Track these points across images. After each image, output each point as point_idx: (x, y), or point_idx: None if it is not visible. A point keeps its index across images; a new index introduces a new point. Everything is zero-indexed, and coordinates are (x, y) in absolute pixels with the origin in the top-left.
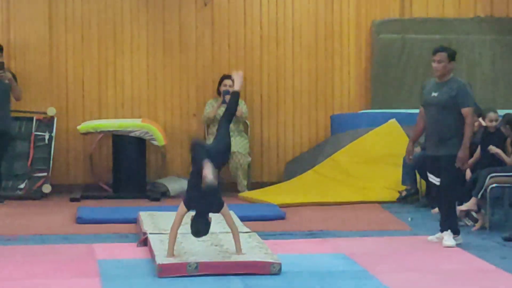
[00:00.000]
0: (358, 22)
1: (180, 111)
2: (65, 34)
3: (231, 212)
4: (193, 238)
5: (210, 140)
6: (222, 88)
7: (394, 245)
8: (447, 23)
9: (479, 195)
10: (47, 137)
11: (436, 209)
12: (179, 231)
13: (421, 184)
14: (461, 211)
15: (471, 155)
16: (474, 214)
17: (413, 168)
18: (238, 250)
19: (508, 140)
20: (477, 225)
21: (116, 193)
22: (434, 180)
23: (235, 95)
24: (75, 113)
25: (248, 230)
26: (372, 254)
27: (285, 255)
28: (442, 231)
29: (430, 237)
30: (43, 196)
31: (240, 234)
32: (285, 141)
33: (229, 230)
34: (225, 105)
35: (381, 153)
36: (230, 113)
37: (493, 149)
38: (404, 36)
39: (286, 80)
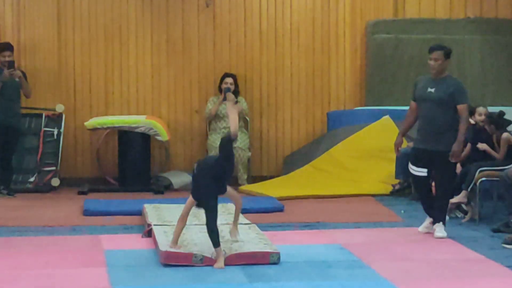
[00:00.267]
0: (353, 23)
1: (183, 108)
2: (73, 34)
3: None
4: (195, 229)
5: (212, 136)
6: (223, 86)
7: (388, 236)
8: (439, 24)
9: (469, 188)
10: (55, 132)
11: None
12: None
13: None
14: (452, 203)
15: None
16: (464, 206)
17: (406, 163)
18: (235, 221)
19: (494, 137)
20: (467, 217)
21: (122, 187)
22: (420, 172)
23: (229, 143)
24: (82, 110)
25: (248, 221)
26: (366, 245)
27: (284, 246)
28: (434, 223)
29: (421, 228)
30: (52, 189)
31: (240, 226)
32: (283, 137)
33: (230, 222)
34: (225, 102)
35: (375, 148)
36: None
37: (481, 146)
38: (397, 36)
39: (284, 78)
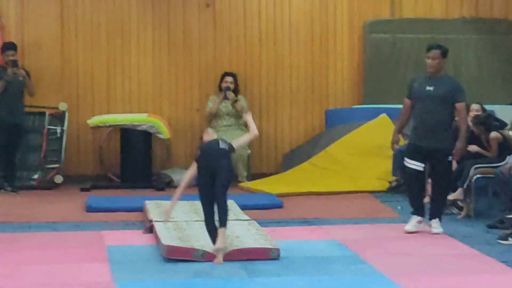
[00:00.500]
0: (351, 23)
1: (184, 106)
2: (76, 34)
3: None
4: (196, 225)
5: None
6: (223, 85)
7: (384, 232)
8: (435, 23)
9: (465, 185)
10: (59, 130)
11: (427, 198)
12: (184, 219)
13: None
14: (448, 200)
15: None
16: (459, 203)
17: (403, 160)
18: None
19: (483, 138)
20: (463, 214)
21: (124, 183)
22: (417, 165)
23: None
24: (85, 108)
25: (248, 218)
26: (363, 240)
27: (283, 242)
28: (431, 219)
29: (408, 227)
30: (55, 186)
31: (240, 222)
32: (282, 134)
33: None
34: (226, 101)
35: (373, 146)
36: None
37: (472, 148)
38: (394, 36)
39: (283, 77)
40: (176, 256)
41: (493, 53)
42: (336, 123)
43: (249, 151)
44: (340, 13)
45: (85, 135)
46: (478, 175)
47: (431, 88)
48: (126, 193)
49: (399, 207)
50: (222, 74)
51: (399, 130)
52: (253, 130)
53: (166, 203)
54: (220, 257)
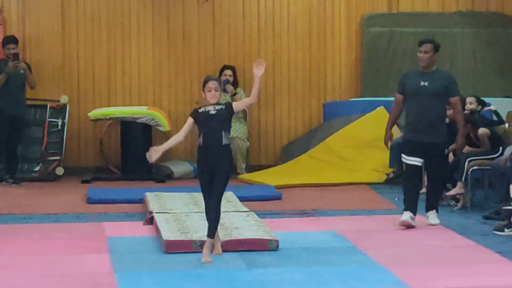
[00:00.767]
0: (348, 17)
1: (184, 99)
2: (77, 27)
3: (231, 193)
4: (196, 217)
5: None
6: (222, 78)
7: (381, 223)
8: (431, 17)
9: (463, 179)
10: (60, 123)
11: (424, 189)
12: (183, 211)
13: None
14: (450, 195)
15: (452, 142)
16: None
17: (400, 152)
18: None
19: (471, 135)
20: (459, 205)
21: (124, 175)
22: (416, 161)
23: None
24: (86, 101)
25: (246, 209)
26: (361, 232)
27: (281, 233)
28: (428, 210)
29: (404, 218)
30: (56, 178)
31: (239, 213)
32: (281, 127)
33: (229, 210)
34: (225, 94)
35: (370, 138)
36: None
37: (465, 149)
38: (391, 29)
39: (282, 70)
40: (176, 250)
41: (489, 46)
42: (334, 116)
43: (247, 144)
44: (337, 7)
45: (85, 127)
46: (475, 167)
47: (425, 83)
48: (126, 185)
49: (396, 199)
50: (221, 67)
51: (391, 126)
52: (254, 95)
53: (165, 195)
54: (218, 249)
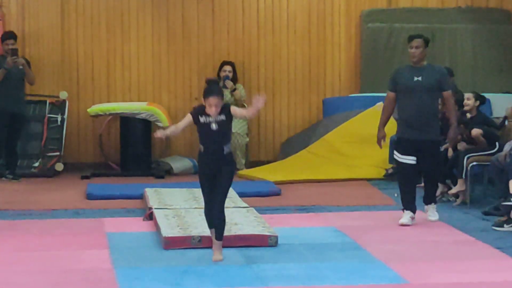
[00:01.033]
0: (348, 12)
1: (183, 95)
2: (76, 23)
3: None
4: (195, 212)
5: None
6: (222, 74)
7: (381, 219)
8: (431, 13)
9: (463, 175)
10: (59, 119)
11: (422, 184)
12: (182, 207)
13: None
14: (452, 194)
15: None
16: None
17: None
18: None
19: (466, 135)
20: (458, 201)
21: (124, 171)
22: (410, 160)
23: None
24: (85, 96)
25: (246, 205)
26: (360, 227)
27: (281, 228)
28: (426, 204)
29: (403, 220)
30: (56, 174)
31: (239, 209)
32: (280, 123)
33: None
34: (224, 90)
35: (370, 134)
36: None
37: (462, 146)
38: (391, 25)
39: (281, 66)
40: (175, 246)
41: (488, 42)
42: (334, 111)
43: (247, 139)
44: (337, 3)
45: (85, 123)
46: (474, 162)
47: (419, 78)
48: (126, 181)
49: (395, 195)
50: (221, 63)
51: (384, 125)
52: (252, 114)
53: (165, 191)
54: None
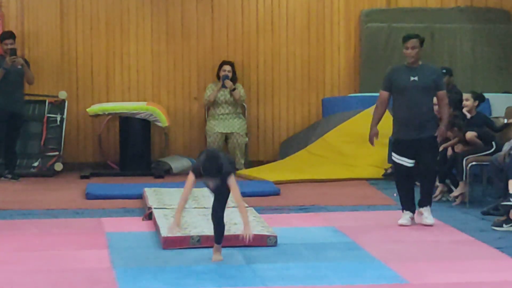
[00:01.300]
0: (347, 12)
1: (182, 95)
2: (75, 23)
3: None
4: (194, 212)
5: (210, 122)
6: (221, 73)
7: (380, 219)
8: (430, 13)
9: (464, 177)
10: (58, 118)
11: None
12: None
13: None
14: (454, 196)
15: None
16: (455, 190)
17: None
18: (245, 225)
19: (461, 137)
20: (458, 201)
21: (123, 171)
22: (407, 162)
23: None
24: (84, 96)
25: (245, 205)
26: (360, 227)
27: (280, 228)
28: (422, 206)
29: (402, 221)
30: (55, 173)
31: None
32: (280, 123)
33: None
34: (224, 89)
35: (369, 134)
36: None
37: (460, 148)
38: (390, 25)
39: (280, 66)
40: (174, 246)
41: (487, 42)
42: (333, 111)
43: (246, 139)
44: (336, 3)
45: (84, 123)
46: (473, 162)
47: (415, 78)
48: (125, 181)
49: (395, 194)
50: (220, 62)
51: (377, 124)
52: (238, 200)
53: (164, 190)
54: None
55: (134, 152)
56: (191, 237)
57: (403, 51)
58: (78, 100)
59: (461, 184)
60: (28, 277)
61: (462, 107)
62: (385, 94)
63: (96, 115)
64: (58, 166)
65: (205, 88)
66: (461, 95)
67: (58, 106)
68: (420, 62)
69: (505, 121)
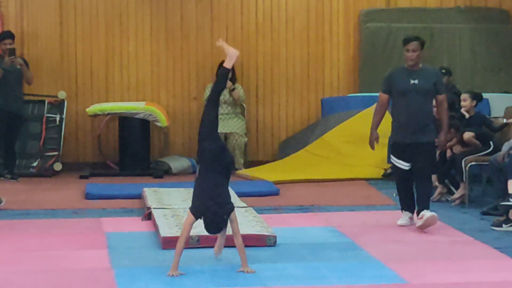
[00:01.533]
0: (346, 12)
1: (182, 95)
2: (75, 23)
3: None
4: None
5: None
6: None
7: (379, 219)
8: (430, 13)
9: (464, 179)
10: (58, 118)
11: None
12: (181, 207)
13: None
14: (456, 198)
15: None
16: (454, 190)
17: None
18: (243, 263)
19: (458, 138)
20: (457, 201)
21: (122, 171)
22: (403, 165)
23: (225, 71)
24: (84, 96)
25: (245, 205)
26: (359, 227)
27: (279, 228)
28: (420, 210)
29: (400, 221)
30: (54, 173)
31: (237, 209)
32: (279, 123)
33: None
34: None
35: (368, 134)
36: (219, 89)
37: (458, 149)
38: (389, 25)
39: (280, 66)
40: (173, 246)
41: (487, 42)
42: (332, 111)
43: (246, 139)
44: (335, 3)
45: (83, 123)
46: (473, 162)
47: (415, 81)
48: (124, 181)
49: (394, 194)
50: (220, 62)
51: (377, 127)
52: (236, 235)
53: (163, 190)
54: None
55: (134, 152)
56: (191, 237)
57: (403, 53)
58: (77, 100)
59: (461, 185)
60: (27, 277)
61: (460, 108)
62: (384, 97)
63: (96, 115)
64: (58, 166)
65: (204, 88)
66: (460, 96)
67: (58, 106)
68: (420, 65)
69: (504, 121)
